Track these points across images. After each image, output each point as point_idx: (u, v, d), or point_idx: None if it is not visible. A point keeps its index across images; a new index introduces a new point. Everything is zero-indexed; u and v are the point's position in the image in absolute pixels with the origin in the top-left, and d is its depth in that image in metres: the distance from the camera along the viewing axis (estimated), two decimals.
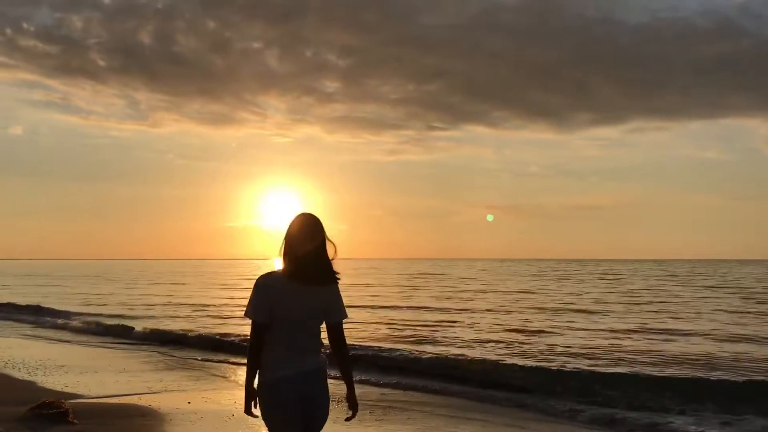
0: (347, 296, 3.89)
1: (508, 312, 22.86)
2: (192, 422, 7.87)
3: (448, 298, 31.63)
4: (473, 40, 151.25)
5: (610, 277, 60.45)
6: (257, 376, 3.50)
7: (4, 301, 28.82)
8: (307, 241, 3.46)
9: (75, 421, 7.63)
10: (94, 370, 12.12)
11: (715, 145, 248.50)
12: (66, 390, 9.95)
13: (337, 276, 3.57)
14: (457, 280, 53.30)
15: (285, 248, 3.50)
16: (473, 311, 23.40)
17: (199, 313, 23.58)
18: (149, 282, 53.08)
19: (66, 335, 18.12)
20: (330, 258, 3.55)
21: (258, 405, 3.50)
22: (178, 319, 21.53)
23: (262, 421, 3.54)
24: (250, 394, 3.51)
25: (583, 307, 24.89)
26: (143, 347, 15.68)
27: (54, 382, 10.75)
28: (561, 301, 28.35)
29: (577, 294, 34.01)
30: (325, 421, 3.58)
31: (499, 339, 15.48)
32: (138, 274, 74.43)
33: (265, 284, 3.50)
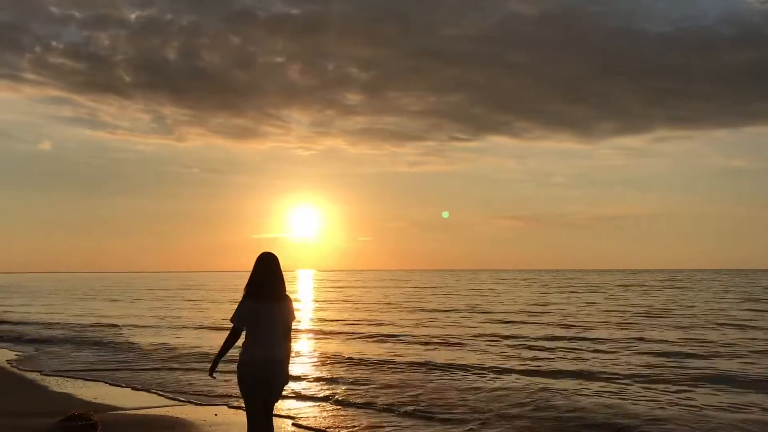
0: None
1: None
2: None
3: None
4: (494, 51, 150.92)
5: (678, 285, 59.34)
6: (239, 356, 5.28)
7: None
8: (267, 272, 5.34)
9: None
10: (123, 381, 12.15)
11: (742, 154, 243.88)
12: (95, 401, 9.98)
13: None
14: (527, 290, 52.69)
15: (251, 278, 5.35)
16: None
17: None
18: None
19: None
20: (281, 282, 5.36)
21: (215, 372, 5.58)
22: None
23: None
24: (215, 364, 5.49)
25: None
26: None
27: (83, 392, 10.79)
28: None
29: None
30: (278, 394, 5.39)
31: None
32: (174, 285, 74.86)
33: (245, 302, 5.28)
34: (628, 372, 12.42)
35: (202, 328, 22.49)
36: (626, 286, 62.15)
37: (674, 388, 10.92)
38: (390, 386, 11.06)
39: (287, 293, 5.40)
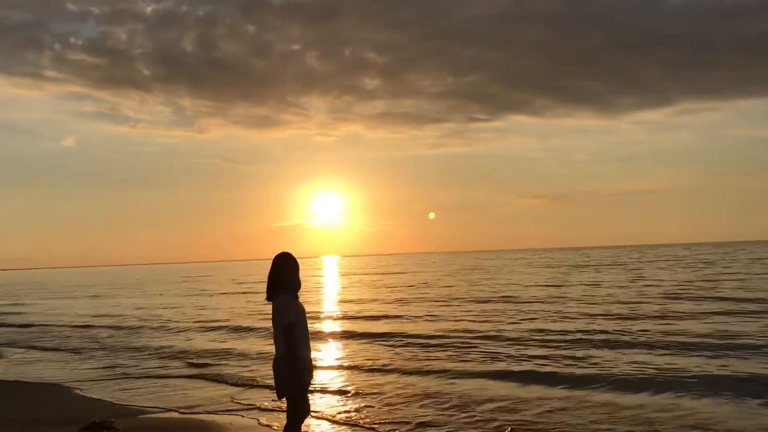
0: None
1: None
2: None
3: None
4: (511, 30, 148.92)
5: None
6: None
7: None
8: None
9: None
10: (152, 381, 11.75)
11: None
12: (119, 403, 9.55)
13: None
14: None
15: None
16: None
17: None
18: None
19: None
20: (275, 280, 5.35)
21: None
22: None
23: None
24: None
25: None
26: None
27: (107, 394, 10.37)
28: None
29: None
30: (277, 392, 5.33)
31: None
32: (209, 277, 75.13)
33: (293, 300, 5.35)
34: None
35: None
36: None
37: None
38: None
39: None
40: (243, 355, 13.97)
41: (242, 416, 8.56)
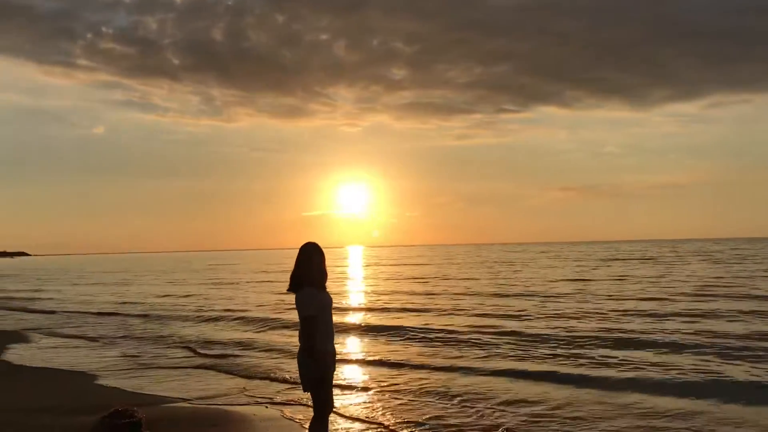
0: None
1: None
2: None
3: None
4: (541, 19, 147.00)
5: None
6: None
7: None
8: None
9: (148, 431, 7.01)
10: (172, 370, 11.67)
11: None
12: (139, 392, 9.46)
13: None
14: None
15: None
16: None
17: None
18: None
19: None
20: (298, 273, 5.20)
21: None
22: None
23: None
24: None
25: None
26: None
27: (128, 383, 10.30)
28: None
29: None
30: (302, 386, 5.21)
31: None
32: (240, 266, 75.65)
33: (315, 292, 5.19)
34: None
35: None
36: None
37: None
38: None
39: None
40: (267, 347, 13.82)
41: (266, 407, 8.42)
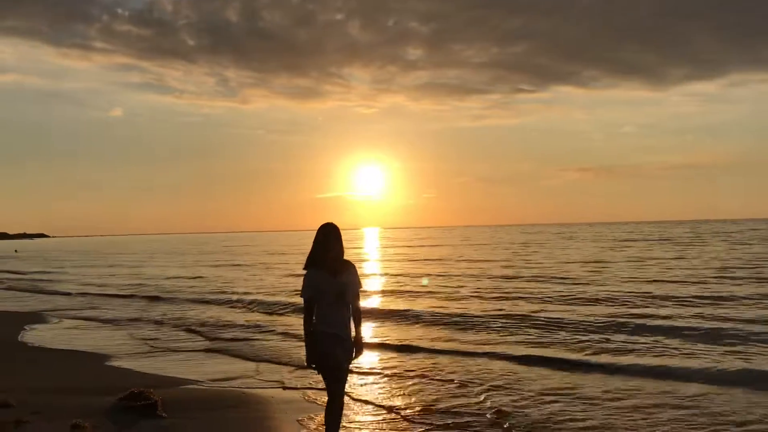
0: None
1: None
2: (299, 412, 7.07)
3: None
4: None
5: None
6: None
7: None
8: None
9: (164, 414, 6.99)
10: (187, 353, 11.67)
11: None
12: (158, 374, 9.46)
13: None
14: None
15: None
16: None
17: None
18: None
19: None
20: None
21: None
22: None
23: None
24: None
25: None
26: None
27: (146, 365, 10.30)
28: None
29: None
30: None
31: None
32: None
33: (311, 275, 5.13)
34: None
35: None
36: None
37: None
38: None
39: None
40: (282, 330, 13.81)
41: (283, 389, 8.39)
